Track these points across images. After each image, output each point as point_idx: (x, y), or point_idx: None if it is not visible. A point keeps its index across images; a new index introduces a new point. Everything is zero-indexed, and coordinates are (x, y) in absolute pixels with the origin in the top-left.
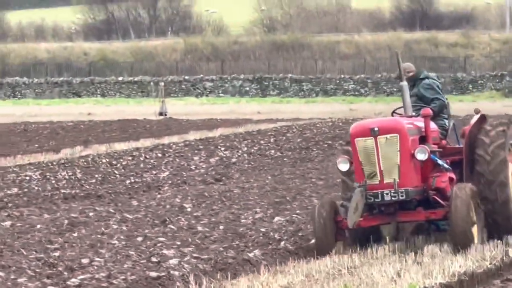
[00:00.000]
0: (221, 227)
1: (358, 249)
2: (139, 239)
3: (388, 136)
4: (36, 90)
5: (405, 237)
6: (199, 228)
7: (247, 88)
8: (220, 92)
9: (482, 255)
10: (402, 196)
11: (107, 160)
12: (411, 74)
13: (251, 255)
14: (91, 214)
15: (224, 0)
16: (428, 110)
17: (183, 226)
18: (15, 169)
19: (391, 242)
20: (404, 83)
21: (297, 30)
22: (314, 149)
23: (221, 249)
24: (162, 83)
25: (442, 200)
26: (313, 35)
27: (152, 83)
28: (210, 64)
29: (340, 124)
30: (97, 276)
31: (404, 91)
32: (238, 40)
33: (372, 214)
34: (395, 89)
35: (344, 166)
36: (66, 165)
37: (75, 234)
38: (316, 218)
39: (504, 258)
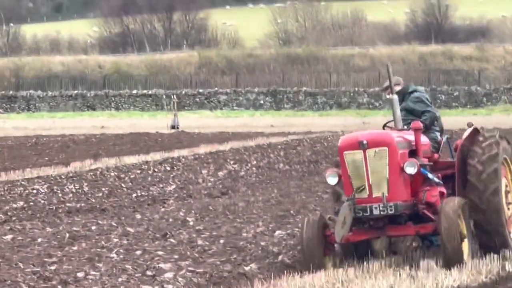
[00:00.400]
0: (221, 240)
1: (354, 262)
2: (138, 252)
3: (377, 149)
4: (51, 103)
5: (403, 251)
6: (199, 242)
7: (262, 101)
8: (234, 105)
9: (478, 269)
10: (391, 210)
11: (116, 173)
12: (399, 87)
13: (247, 268)
14: (93, 227)
15: (239, 13)
16: (418, 123)
17: (183, 240)
18: (23, 182)
19: (388, 256)
20: (395, 97)
21: (312, 43)
22: (323, 163)
23: (218, 262)
24: (175, 96)
25: (432, 214)
26: (328, 48)
27: (164, 96)
28: (225, 77)
29: None
30: None
31: (394, 104)
32: (253, 53)
33: (361, 228)
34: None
35: (332, 180)
36: (74, 178)
37: (75, 248)
38: (304, 233)
39: (501, 272)
